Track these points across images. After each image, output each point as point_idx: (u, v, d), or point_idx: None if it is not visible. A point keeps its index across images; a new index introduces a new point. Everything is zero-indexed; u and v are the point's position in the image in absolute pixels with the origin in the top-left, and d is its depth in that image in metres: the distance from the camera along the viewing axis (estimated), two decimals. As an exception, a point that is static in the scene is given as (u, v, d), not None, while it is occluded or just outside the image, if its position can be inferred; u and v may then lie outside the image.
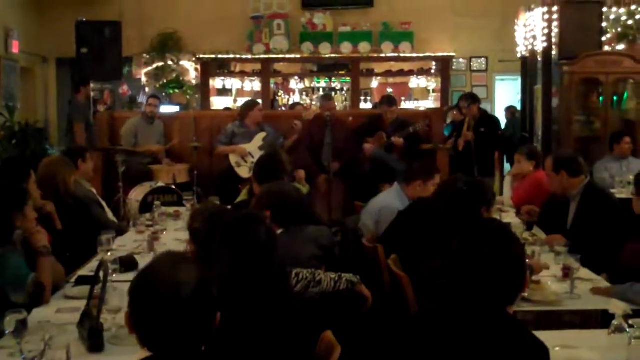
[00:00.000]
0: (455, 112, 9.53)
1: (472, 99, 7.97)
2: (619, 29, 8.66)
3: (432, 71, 11.70)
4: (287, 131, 7.86)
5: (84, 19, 10.32)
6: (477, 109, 7.89)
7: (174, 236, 4.81)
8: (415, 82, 11.99)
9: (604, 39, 8.65)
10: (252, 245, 2.61)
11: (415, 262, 3.81)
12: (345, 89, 12.06)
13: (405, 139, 7.53)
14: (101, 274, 2.87)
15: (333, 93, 11.52)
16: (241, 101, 11.50)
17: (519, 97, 11.62)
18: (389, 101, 7.92)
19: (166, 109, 10.50)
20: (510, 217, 5.39)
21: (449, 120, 9.92)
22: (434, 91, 11.92)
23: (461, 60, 12.10)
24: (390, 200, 4.96)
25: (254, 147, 7.67)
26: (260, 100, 10.50)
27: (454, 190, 3.83)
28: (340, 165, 7.37)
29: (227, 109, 10.98)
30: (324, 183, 7.30)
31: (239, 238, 2.62)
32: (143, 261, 3.95)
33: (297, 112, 8.88)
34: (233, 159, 7.68)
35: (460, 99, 8.08)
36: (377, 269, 4.27)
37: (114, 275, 3.49)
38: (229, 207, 4.59)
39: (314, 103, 11.43)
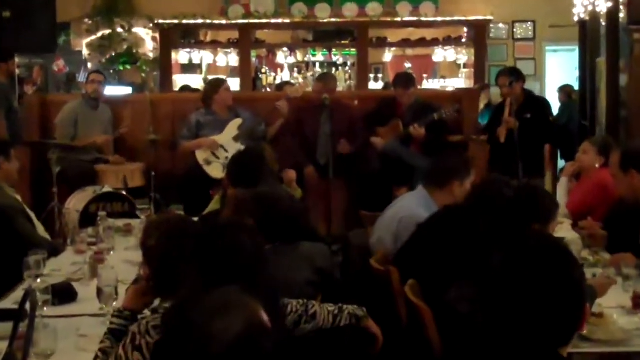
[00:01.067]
0: (488, 92, 9.57)
1: (516, 75, 7.96)
2: None
3: (463, 40, 11.72)
4: (269, 116, 7.86)
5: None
6: (520, 88, 7.88)
7: (124, 257, 4.80)
8: (440, 54, 12.02)
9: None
10: (231, 260, 2.60)
11: (440, 289, 3.80)
12: (349, 63, 12.09)
13: (427, 129, 7.54)
14: (28, 306, 2.86)
15: (333, 69, 11.54)
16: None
17: (576, 73, 11.63)
18: (405, 81, 7.93)
19: (115, 90, 10.51)
20: (564, 230, 5.37)
21: (482, 104, 9.94)
22: (465, 66, 11.96)
23: (501, 25, 12.15)
24: (413, 208, 4.95)
25: (227, 138, 7.68)
26: (236, 80, 10.55)
27: (498, 199, 3.82)
28: (351, 148, 7.37)
29: (186, 88, 10.89)
30: (320, 186, 7.29)
31: (215, 250, 2.62)
32: (83, 290, 3.94)
33: (285, 94, 8.88)
34: (201, 155, 7.69)
35: (499, 75, 8.07)
36: (390, 299, 4.26)
37: (45, 308, 3.48)
38: (196, 218, 4.57)
39: (309, 82, 11.44)
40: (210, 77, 11.46)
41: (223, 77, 9.21)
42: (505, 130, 7.63)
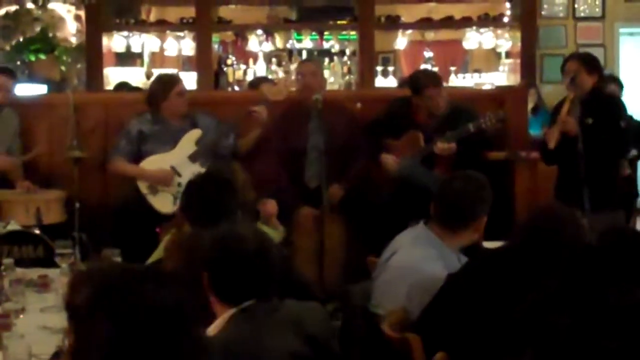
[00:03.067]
0: (536, 92, 9.60)
1: (588, 62, 7.96)
2: None
3: (505, 19, 11.78)
4: (240, 124, 7.87)
5: None
6: (593, 84, 7.87)
7: (40, 321, 4.78)
8: (474, 39, 12.07)
9: None
10: (140, 315, 2.58)
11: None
12: (348, 51, 12.13)
13: (459, 144, 7.57)
14: None
15: (327, 60, 11.57)
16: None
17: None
18: (437, 77, 7.98)
19: (24, 88, 10.49)
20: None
21: (530, 105, 9.99)
22: (508, 55, 12.00)
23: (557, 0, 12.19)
24: (421, 266, 4.94)
25: (181, 157, 7.69)
26: (192, 75, 10.55)
27: (571, 243, 3.81)
28: (343, 190, 7.39)
29: (123, 86, 10.89)
30: (310, 222, 7.30)
31: (123, 302, 2.61)
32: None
33: (260, 94, 8.91)
34: (144, 181, 7.72)
35: (568, 59, 8.06)
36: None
37: None
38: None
39: (292, 78, 11.46)
40: (155, 72, 11.50)
41: (174, 72, 9.15)
42: (559, 134, 7.59)
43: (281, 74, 11.84)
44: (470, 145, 7.61)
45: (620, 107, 8.38)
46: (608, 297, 2.35)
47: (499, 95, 8.79)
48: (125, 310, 2.52)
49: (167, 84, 8.05)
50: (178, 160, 7.67)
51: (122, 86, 10.82)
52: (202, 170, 7.34)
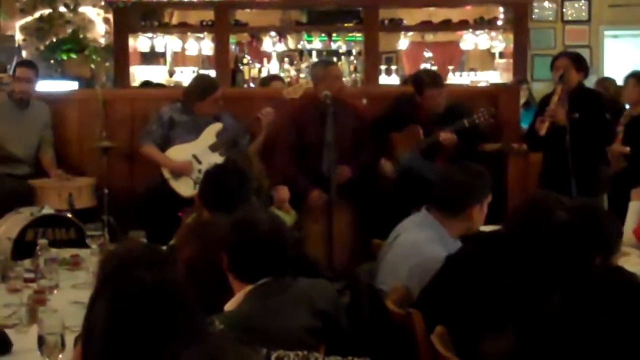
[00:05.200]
0: (527, 88, 9.55)
1: (576, 60, 7.93)
2: None
3: (499, 22, 11.75)
4: (249, 126, 7.87)
5: None
6: (578, 81, 7.84)
7: (72, 297, 4.78)
8: (470, 40, 12.07)
9: None
10: (135, 295, 2.58)
11: (477, 338, 3.79)
12: (354, 52, 12.13)
13: (457, 137, 7.56)
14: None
15: (335, 59, 11.55)
16: (181, 74, 11.56)
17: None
18: (438, 78, 7.95)
19: (57, 85, 10.49)
20: (632, 264, 5.37)
21: (522, 100, 9.96)
22: (501, 56, 11.98)
23: (547, 4, 12.20)
24: (423, 247, 4.93)
25: (203, 146, 7.69)
26: (211, 73, 10.52)
27: (551, 223, 3.80)
28: (352, 171, 7.38)
29: (147, 84, 10.90)
30: (321, 208, 7.29)
31: (121, 283, 2.61)
32: (20, 340, 3.92)
33: (274, 91, 8.88)
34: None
35: (557, 57, 8.03)
36: (412, 350, 4.26)
37: (-28, 362, 3.47)
38: (164, 247, 4.57)
39: (302, 76, 11.45)
40: (179, 70, 11.52)
41: (215, 80, 9.00)
42: (548, 123, 7.56)
43: (293, 72, 11.83)
44: (467, 138, 7.60)
45: (602, 100, 8.36)
46: (595, 276, 2.33)
47: (493, 92, 8.79)
48: (122, 291, 2.52)
49: (208, 88, 7.94)
50: (199, 150, 7.67)
51: (146, 84, 10.81)
52: (220, 159, 7.35)
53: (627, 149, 8.04)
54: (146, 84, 10.84)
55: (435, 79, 7.92)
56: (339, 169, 7.28)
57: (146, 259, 2.78)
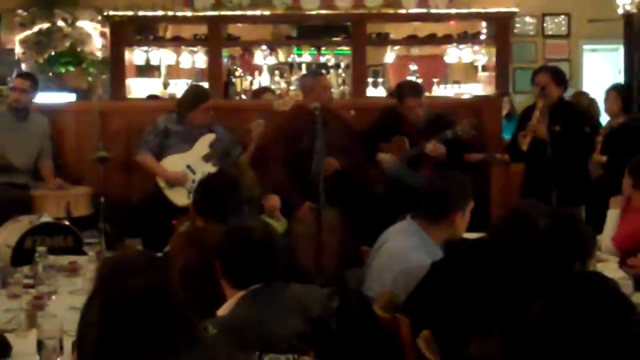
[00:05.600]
0: (508, 100, 9.55)
1: (557, 75, 7.96)
2: None
3: (482, 37, 11.77)
4: (240, 137, 7.88)
5: None
6: (558, 95, 7.88)
7: (70, 302, 4.77)
8: (454, 54, 12.07)
9: None
10: (124, 301, 2.56)
11: (461, 342, 3.80)
12: (342, 65, 12.14)
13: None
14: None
15: (324, 72, 11.54)
16: (175, 86, 11.56)
17: (620, 77, 11.70)
18: (417, 88, 7.97)
19: (55, 97, 10.48)
20: (610, 270, 5.39)
21: (504, 111, 9.99)
22: (484, 69, 12.00)
23: (528, 19, 12.23)
24: (408, 254, 4.95)
25: (196, 156, 7.71)
26: (205, 86, 10.51)
27: (532, 230, 3.81)
28: (337, 163, 7.38)
29: (153, 97, 10.98)
30: (310, 216, 7.29)
31: (111, 290, 2.60)
32: (19, 344, 3.91)
33: (265, 103, 8.89)
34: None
35: (538, 71, 8.08)
36: (399, 354, 4.26)
37: (-27, 365, 3.46)
38: (159, 254, 4.57)
39: (292, 88, 11.46)
40: (173, 83, 11.51)
41: (206, 90, 9.00)
42: (530, 138, 7.61)
43: (283, 85, 11.84)
44: (451, 148, 7.61)
45: (582, 112, 8.40)
46: (575, 282, 2.33)
47: (476, 103, 8.80)
48: (112, 297, 2.51)
49: (198, 97, 7.98)
50: (193, 160, 7.68)
51: (152, 98, 10.77)
52: (214, 169, 7.36)
53: (604, 158, 8.06)
54: (149, 98, 10.79)
55: (413, 89, 7.95)
56: (326, 160, 7.27)
57: (141, 266, 2.78)
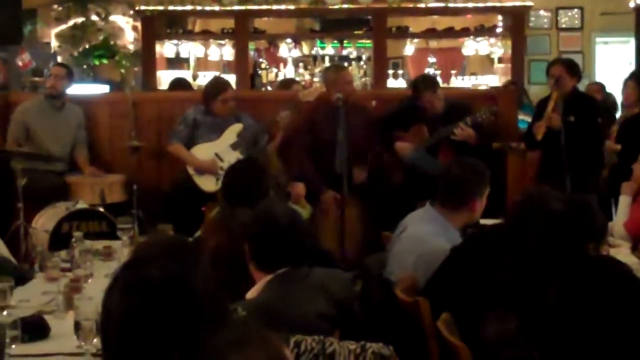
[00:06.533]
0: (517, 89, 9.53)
1: (570, 67, 7.92)
2: None
3: (498, 30, 11.72)
4: (268, 127, 7.89)
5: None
6: (572, 86, 7.84)
7: (104, 286, 4.71)
8: (471, 46, 12.02)
9: None
10: (137, 288, 2.55)
11: (479, 324, 3.78)
12: (364, 57, 12.10)
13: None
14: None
15: (346, 64, 11.54)
16: (204, 77, 11.56)
17: (631, 68, 11.62)
18: (433, 83, 7.95)
19: (90, 88, 10.51)
20: (622, 255, 5.36)
21: None
22: (500, 61, 11.96)
23: (542, 12, 12.13)
24: (428, 239, 4.93)
25: (224, 145, 7.71)
26: (232, 77, 10.53)
27: (547, 214, 3.80)
28: (365, 172, 7.40)
29: (178, 82, 10.78)
30: (333, 203, 7.29)
31: (132, 276, 2.59)
32: (57, 325, 3.92)
33: (291, 94, 8.88)
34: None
35: (552, 63, 8.03)
36: (420, 335, 4.25)
37: (14, 346, 3.46)
38: (190, 239, 4.57)
39: (316, 80, 11.44)
40: (201, 75, 11.51)
41: (226, 80, 8.99)
42: (545, 128, 7.58)
43: (307, 77, 11.82)
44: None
45: (595, 104, 8.35)
46: (592, 265, 2.32)
47: (494, 95, 8.75)
48: (132, 281, 2.50)
49: (217, 88, 7.99)
50: (221, 148, 7.68)
51: (177, 84, 10.70)
52: (240, 157, 7.37)
53: (619, 146, 8.03)
54: (177, 84, 10.68)
55: (428, 84, 7.91)
56: (355, 172, 7.29)
57: (162, 253, 2.77)
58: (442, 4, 11.26)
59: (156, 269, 2.43)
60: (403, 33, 11.87)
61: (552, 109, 7.59)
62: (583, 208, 3.87)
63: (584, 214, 3.81)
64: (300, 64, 12.26)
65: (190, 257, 2.72)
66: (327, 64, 11.96)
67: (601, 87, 11.05)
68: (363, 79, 11.76)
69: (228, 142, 7.69)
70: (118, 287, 2.42)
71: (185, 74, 11.88)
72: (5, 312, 4.01)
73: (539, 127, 7.56)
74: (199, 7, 11.36)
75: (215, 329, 2.28)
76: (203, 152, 7.73)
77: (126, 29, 11.84)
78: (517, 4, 11.35)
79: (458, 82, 11.95)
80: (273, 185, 5.18)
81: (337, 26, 11.87)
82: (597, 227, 3.81)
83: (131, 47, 11.80)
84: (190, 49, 12.05)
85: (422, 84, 7.93)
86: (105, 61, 11.73)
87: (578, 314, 2.05)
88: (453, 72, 12.10)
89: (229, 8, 11.30)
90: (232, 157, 7.46)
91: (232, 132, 7.75)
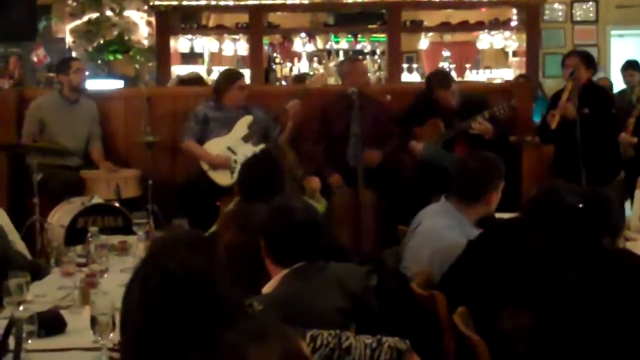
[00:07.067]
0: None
1: (586, 58, 7.90)
2: None
3: (513, 23, 11.69)
4: (278, 118, 7.93)
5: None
6: (587, 78, 7.82)
7: (121, 280, 4.76)
8: (486, 40, 11.99)
9: None
10: (159, 280, 2.53)
11: (495, 317, 3.77)
12: (378, 51, 12.09)
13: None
14: (12, 338, 2.86)
15: (360, 58, 11.53)
16: (218, 72, 11.55)
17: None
18: (445, 80, 7.93)
19: (104, 83, 10.53)
20: (638, 249, 5.34)
21: None
22: (515, 54, 11.92)
23: (557, 5, 12.11)
24: (444, 233, 4.92)
25: (236, 138, 7.75)
26: (246, 72, 10.52)
27: (563, 208, 3.79)
28: (380, 155, 7.39)
29: (191, 78, 10.80)
30: (348, 197, 7.28)
31: (151, 269, 2.58)
32: (73, 320, 3.92)
33: (301, 86, 8.90)
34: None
35: (568, 55, 8.02)
36: (436, 329, 4.25)
37: (30, 340, 3.46)
38: (205, 234, 4.57)
39: (332, 75, 11.43)
40: (215, 69, 11.50)
41: (238, 70, 9.13)
42: (559, 117, 7.54)
43: (321, 71, 11.81)
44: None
45: (610, 96, 8.34)
46: (607, 259, 2.31)
47: (509, 88, 8.74)
48: (151, 275, 2.50)
49: (231, 77, 8.13)
50: (233, 142, 7.72)
51: (191, 80, 10.71)
52: (253, 149, 7.39)
53: (635, 139, 8.00)
54: (189, 81, 10.70)
55: (441, 81, 7.90)
56: (368, 152, 7.30)
57: (188, 244, 2.77)
58: (457, -2, 11.26)
59: (176, 263, 2.43)
60: (417, 27, 11.83)
61: (566, 99, 7.57)
62: (600, 202, 3.86)
63: (601, 208, 3.80)
64: (315, 59, 12.26)
65: (208, 251, 2.71)
66: (341, 58, 11.94)
67: (608, 82, 11.05)
68: (377, 73, 11.75)
69: (239, 135, 7.72)
70: (138, 282, 2.42)
71: (200, 69, 11.88)
72: (21, 307, 4.01)
73: (553, 116, 7.54)
74: (213, 2, 11.33)
75: (232, 323, 2.28)
76: (215, 146, 7.75)
77: (140, 24, 11.88)
78: (532, -4, 11.32)
79: (472, 75, 11.94)
80: (289, 179, 5.17)
81: (351, 20, 11.86)
82: (614, 222, 3.80)
83: (145, 42, 11.84)
84: (205, 44, 12.05)
85: (436, 82, 7.92)
86: (119, 56, 11.77)
87: (595, 307, 2.05)
88: (467, 65, 12.09)
89: (243, 3, 11.28)
90: (244, 149, 7.49)
91: (243, 125, 7.78)
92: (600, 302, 2.03)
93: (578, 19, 12.33)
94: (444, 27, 11.86)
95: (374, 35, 12.02)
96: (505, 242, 4.15)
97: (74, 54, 11.55)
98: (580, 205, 3.75)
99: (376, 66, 11.93)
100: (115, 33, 11.72)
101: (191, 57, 12.20)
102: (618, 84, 11.73)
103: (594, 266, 2.14)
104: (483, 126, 7.49)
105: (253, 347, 1.90)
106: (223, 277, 2.58)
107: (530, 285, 3.48)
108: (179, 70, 11.65)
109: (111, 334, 3.47)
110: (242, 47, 11.97)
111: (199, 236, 3.12)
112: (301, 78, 10.56)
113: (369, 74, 8.57)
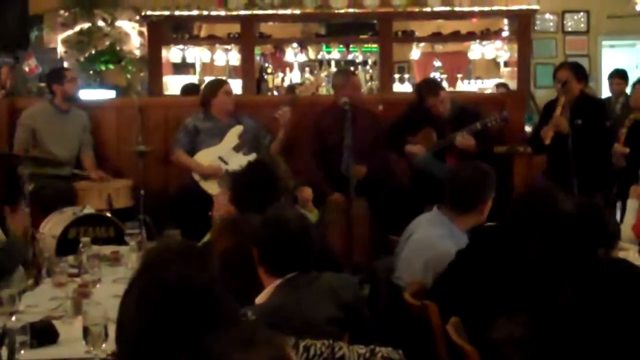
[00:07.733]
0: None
1: (577, 71, 7.92)
2: None
3: (504, 34, 11.71)
4: (269, 127, 7.95)
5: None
6: (579, 90, 7.84)
7: (113, 291, 4.76)
8: (477, 50, 12.00)
9: None
10: (155, 289, 2.54)
11: (487, 327, 3.78)
12: (370, 61, 12.10)
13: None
14: (4, 349, 2.86)
15: (352, 68, 11.54)
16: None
17: (638, 72, 11.63)
18: (433, 86, 7.96)
19: (96, 93, 10.52)
20: (631, 259, 5.35)
21: None
22: (506, 64, 11.94)
23: (549, 16, 12.15)
24: (436, 242, 4.94)
25: (227, 148, 7.78)
26: (238, 82, 10.54)
27: (556, 217, 3.79)
28: (368, 170, 7.39)
29: (188, 89, 10.85)
30: (341, 206, 7.29)
31: (147, 281, 2.58)
32: (66, 330, 3.92)
33: (291, 95, 8.94)
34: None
35: (559, 67, 8.05)
36: (429, 339, 4.25)
37: (22, 351, 3.46)
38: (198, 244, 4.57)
39: (323, 85, 11.45)
40: (206, 79, 11.50)
41: (223, 77, 9.24)
42: (552, 132, 7.58)
43: (312, 80, 11.82)
44: (479, 141, 7.59)
45: (604, 107, 8.36)
46: (604, 268, 2.32)
47: (501, 99, 8.77)
48: (150, 287, 2.50)
49: (216, 84, 8.23)
50: (224, 151, 7.77)
51: (188, 90, 10.72)
52: (245, 158, 7.40)
53: (627, 149, 8.03)
54: (187, 90, 10.72)
55: (430, 88, 7.92)
56: (356, 167, 7.30)
57: (176, 257, 2.77)
58: (447, 8, 11.21)
59: (171, 273, 2.43)
60: (409, 37, 11.82)
61: (560, 113, 7.59)
62: (595, 212, 3.85)
63: (596, 219, 3.79)
64: (307, 69, 12.26)
65: (202, 261, 2.72)
66: (333, 68, 11.95)
67: (592, 91, 11.07)
68: (369, 83, 11.75)
69: (230, 145, 7.77)
70: (134, 292, 2.42)
71: (192, 79, 11.89)
72: (14, 318, 4.01)
73: (547, 132, 7.56)
74: (205, 12, 11.32)
75: (224, 331, 2.28)
76: (207, 157, 7.78)
77: (132, 34, 11.87)
78: (523, 7, 11.29)
79: (464, 86, 11.94)
80: (282, 190, 5.17)
81: (343, 31, 11.85)
82: (609, 232, 3.79)
83: (137, 53, 11.82)
84: (197, 54, 12.05)
85: (425, 89, 7.96)
86: (111, 66, 11.76)
87: (591, 316, 2.05)
88: (459, 76, 12.08)
89: (234, 13, 11.26)
90: (236, 159, 7.53)
91: (234, 135, 7.83)
92: (597, 311, 2.04)
93: (569, 29, 12.38)
94: (436, 37, 11.86)
95: (366, 45, 12.04)
96: (494, 250, 4.17)
97: (65, 64, 11.53)
98: (575, 215, 3.75)
99: (368, 76, 11.93)
100: (107, 43, 11.70)
101: (183, 67, 12.19)
102: (607, 94, 11.79)
103: (591, 275, 2.14)
104: (465, 141, 7.51)
105: (239, 353, 1.90)
106: (219, 287, 2.58)
107: (524, 295, 3.48)
108: (170, 80, 11.65)
109: (104, 345, 3.47)
110: (233, 57, 11.97)
111: (194, 247, 3.13)
112: (293, 88, 10.58)
113: (360, 86, 8.56)
